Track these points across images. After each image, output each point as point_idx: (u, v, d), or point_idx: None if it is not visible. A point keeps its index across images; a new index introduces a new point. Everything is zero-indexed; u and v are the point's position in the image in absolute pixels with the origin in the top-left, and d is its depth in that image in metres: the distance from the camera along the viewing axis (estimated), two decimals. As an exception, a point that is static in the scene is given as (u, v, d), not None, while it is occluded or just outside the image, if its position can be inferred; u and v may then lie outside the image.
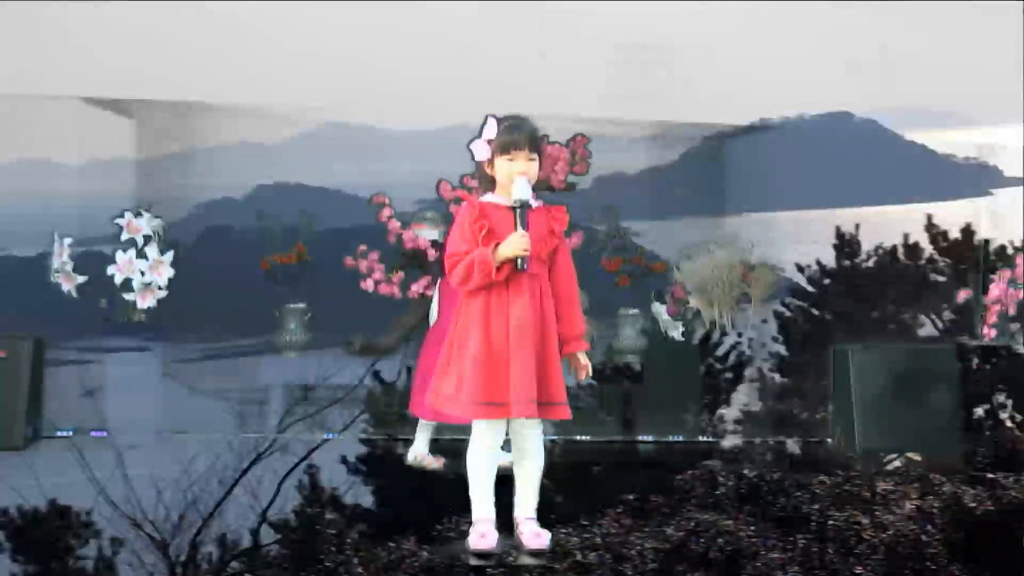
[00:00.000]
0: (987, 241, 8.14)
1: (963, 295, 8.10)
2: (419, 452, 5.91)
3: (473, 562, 4.24)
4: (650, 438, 6.30)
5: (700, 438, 6.80)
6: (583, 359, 4.34)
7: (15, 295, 8.32)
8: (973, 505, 5.96)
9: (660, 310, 7.00)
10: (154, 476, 5.49)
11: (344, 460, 7.24)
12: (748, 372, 8.71)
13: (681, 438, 6.48)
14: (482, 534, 4.25)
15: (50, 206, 9.39)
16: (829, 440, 6.67)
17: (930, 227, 9.67)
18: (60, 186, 9.24)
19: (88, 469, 5.48)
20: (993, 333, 7.56)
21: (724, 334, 7.71)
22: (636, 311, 7.71)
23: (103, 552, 5.98)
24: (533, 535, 4.30)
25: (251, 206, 9.80)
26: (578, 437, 5.99)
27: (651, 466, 6.31)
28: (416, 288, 7.22)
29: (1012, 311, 7.38)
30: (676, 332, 6.91)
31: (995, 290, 7.52)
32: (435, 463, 5.89)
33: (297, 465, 6.20)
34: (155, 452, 5.93)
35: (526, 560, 4.25)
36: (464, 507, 4.41)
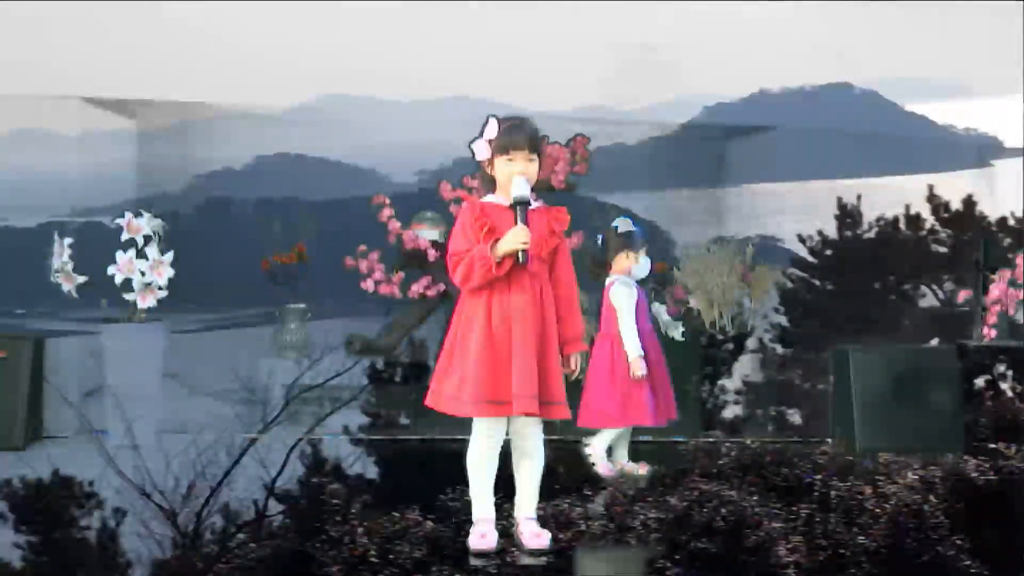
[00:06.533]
0: (987, 241, 8.15)
1: (963, 295, 8.12)
2: (619, 462, 5.86)
3: (473, 562, 4.26)
4: (649, 438, 6.34)
5: (702, 439, 6.84)
6: (572, 361, 4.36)
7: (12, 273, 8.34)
8: (975, 475, 5.99)
9: (660, 310, 7.01)
10: (163, 448, 5.59)
11: (346, 430, 7.28)
12: (749, 343, 8.73)
13: (682, 438, 6.51)
14: (482, 534, 4.30)
15: (49, 178, 9.39)
16: (829, 440, 6.71)
17: (931, 198, 9.69)
18: (60, 158, 9.24)
19: (98, 443, 5.58)
20: (993, 333, 7.60)
21: (724, 334, 7.73)
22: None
23: (107, 523, 6.04)
24: (533, 535, 4.34)
25: (250, 177, 9.80)
26: (576, 438, 6.02)
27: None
28: (416, 288, 7.23)
29: (1012, 311, 7.42)
30: (676, 332, 6.92)
31: (995, 290, 7.53)
32: (640, 470, 5.84)
33: (303, 438, 6.27)
34: (155, 447, 6.01)
35: (526, 560, 4.26)
36: (466, 477, 4.43)
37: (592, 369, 5.68)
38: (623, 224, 5.74)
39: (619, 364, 5.61)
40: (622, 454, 5.90)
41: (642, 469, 5.84)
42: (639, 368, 5.57)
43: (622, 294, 5.64)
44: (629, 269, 5.71)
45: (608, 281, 5.71)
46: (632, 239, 5.72)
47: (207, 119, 9.01)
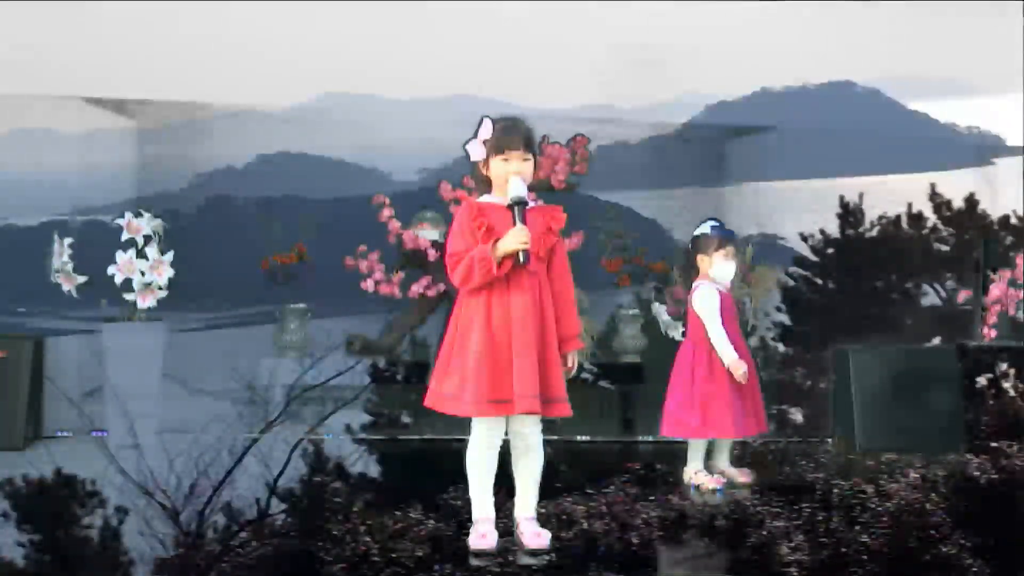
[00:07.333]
0: (987, 242, 8.15)
1: (963, 295, 8.11)
2: (719, 468, 5.72)
3: (474, 562, 4.26)
4: (650, 439, 6.33)
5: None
6: (570, 360, 4.37)
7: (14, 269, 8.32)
8: (977, 474, 5.99)
9: (660, 310, 7.01)
10: (164, 447, 5.62)
11: (348, 429, 7.29)
12: (751, 341, 8.74)
13: (683, 439, 6.54)
14: (482, 534, 4.31)
15: (50, 178, 9.38)
16: (829, 440, 6.72)
17: (933, 196, 9.69)
18: (60, 158, 9.23)
19: (99, 442, 5.64)
20: (993, 333, 7.59)
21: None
22: (636, 311, 7.72)
23: (109, 522, 6.04)
24: (533, 535, 4.35)
25: (251, 176, 9.78)
26: (577, 438, 6.00)
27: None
28: (416, 288, 7.22)
29: (1012, 311, 7.41)
30: (676, 332, 6.91)
31: (995, 290, 7.53)
32: (741, 477, 5.73)
33: (305, 437, 6.30)
34: (155, 449, 6.02)
35: (526, 560, 4.26)
36: (466, 477, 4.41)
37: (672, 377, 5.57)
38: (700, 228, 5.60)
39: (699, 372, 5.45)
40: (722, 460, 5.76)
41: (743, 477, 5.72)
42: (738, 369, 5.36)
43: (702, 299, 5.49)
44: (707, 273, 5.56)
45: (693, 286, 5.58)
46: (702, 243, 5.57)
47: (207, 119, 9.00)
